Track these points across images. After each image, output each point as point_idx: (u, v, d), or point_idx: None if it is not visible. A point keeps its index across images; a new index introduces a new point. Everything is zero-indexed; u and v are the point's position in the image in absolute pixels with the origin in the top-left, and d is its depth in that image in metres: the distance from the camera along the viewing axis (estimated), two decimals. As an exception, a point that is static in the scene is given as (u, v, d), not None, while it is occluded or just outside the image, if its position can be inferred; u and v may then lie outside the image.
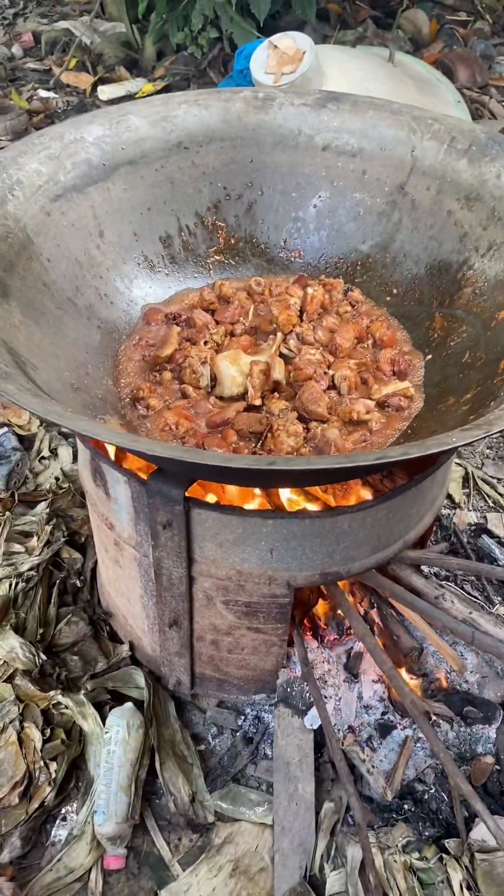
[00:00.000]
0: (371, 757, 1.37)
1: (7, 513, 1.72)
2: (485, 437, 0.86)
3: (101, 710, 1.47)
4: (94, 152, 1.44)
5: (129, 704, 1.43)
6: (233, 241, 1.58)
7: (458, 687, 1.47)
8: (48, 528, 1.69)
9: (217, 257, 1.58)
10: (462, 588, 1.71)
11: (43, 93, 3.63)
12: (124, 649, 1.54)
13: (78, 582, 1.66)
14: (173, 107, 1.52)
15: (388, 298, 1.51)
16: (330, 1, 3.86)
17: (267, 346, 1.39)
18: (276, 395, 1.32)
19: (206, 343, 1.40)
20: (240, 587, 1.27)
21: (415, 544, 1.53)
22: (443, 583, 1.64)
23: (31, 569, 1.65)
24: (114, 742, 1.37)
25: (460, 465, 1.99)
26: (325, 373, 1.34)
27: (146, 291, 1.50)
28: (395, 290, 1.50)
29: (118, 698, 1.49)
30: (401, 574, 1.47)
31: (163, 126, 1.51)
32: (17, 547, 1.68)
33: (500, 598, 1.70)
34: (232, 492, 1.40)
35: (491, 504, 1.91)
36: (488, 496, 1.93)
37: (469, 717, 1.42)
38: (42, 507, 1.78)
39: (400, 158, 1.49)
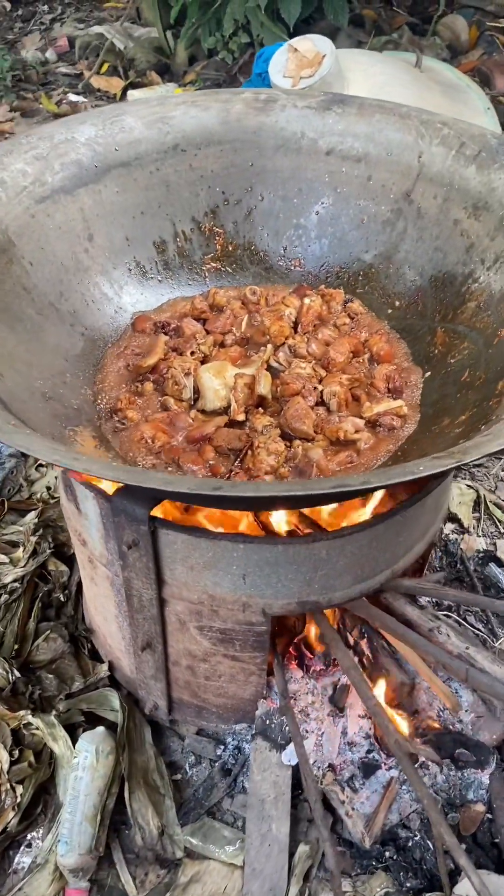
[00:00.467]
0: (351, 798, 1.28)
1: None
2: (455, 467, 0.78)
3: (75, 731, 1.41)
4: (85, 153, 1.39)
5: (100, 729, 1.37)
6: (230, 248, 1.52)
7: (450, 727, 1.37)
8: (34, 538, 1.64)
9: (213, 264, 1.52)
10: (465, 619, 1.61)
11: (73, 97, 3.62)
12: (103, 669, 1.48)
13: (62, 596, 1.61)
14: (170, 107, 1.47)
15: (389, 311, 1.43)
16: (366, 7, 3.79)
17: (257, 359, 1.33)
18: (260, 410, 1.25)
19: (192, 353, 1.34)
20: (213, 612, 1.20)
21: (413, 572, 1.45)
22: (442, 614, 1.55)
23: (14, 580, 1.60)
24: (81, 768, 1.31)
25: (472, 487, 1.89)
26: (315, 388, 1.26)
27: (137, 298, 1.45)
28: (397, 303, 1.42)
29: (94, 720, 1.43)
30: (394, 604, 1.39)
31: (159, 127, 1.46)
32: (2, 557, 1.64)
33: (504, 632, 1.60)
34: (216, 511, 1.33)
35: (502, 530, 1.81)
36: (500, 521, 1.82)
37: (461, 760, 1.33)
38: (31, 517, 1.73)
39: (406, 164, 1.41)
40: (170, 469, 1.16)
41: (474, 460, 0.80)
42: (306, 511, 1.29)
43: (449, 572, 1.71)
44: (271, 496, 0.74)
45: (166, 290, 1.48)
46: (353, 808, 1.27)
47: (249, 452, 1.17)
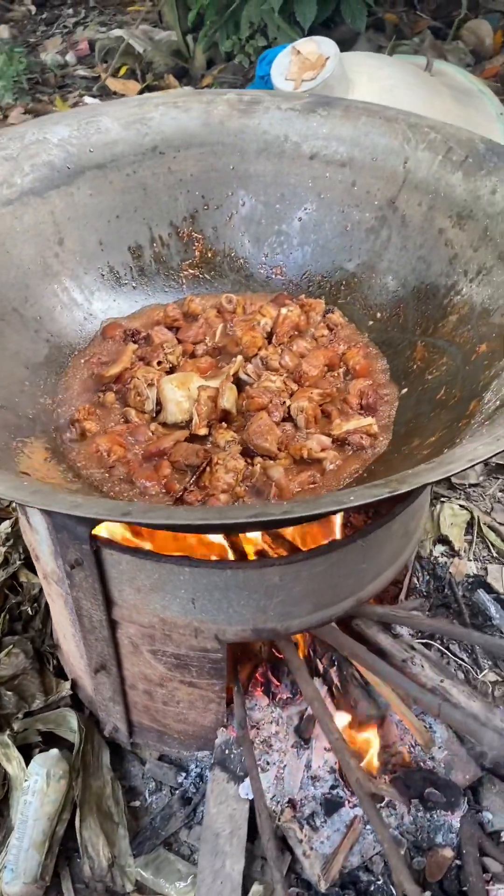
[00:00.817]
0: (310, 837, 1.21)
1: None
2: (389, 497, 0.71)
3: (31, 752, 1.36)
4: (57, 154, 1.35)
5: (53, 751, 1.31)
6: (210, 255, 1.47)
7: (421, 764, 1.30)
8: (3, 549, 1.59)
9: (191, 271, 1.46)
10: (448, 648, 1.53)
11: (88, 99, 3.60)
12: (66, 688, 1.43)
13: (31, 609, 1.56)
14: (150, 108, 1.42)
15: (370, 323, 1.36)
16: (388, 10, 3.72)
17: (226, 370, 1.27)
18: (224, 425, 1.19)
19: (159, 363, 1.28)
20: (166, 637, 1.14)
21: (388, 597, 1.38)
22: (422, 642, 1.47)
23: (-16, 591, 1.56)
24: (31, 792, 1.26)
25: (466, 508, 1.81)
26: (283, 403, 1.20)
27: (109, 304, 1.40)
28: (378, 314, 1.36)
29: (52, 741, 1.38)
30: (366, 631, 1.32)
31: (137, 128, 1.41)
32: (-29, 567, 1.60)
33: (489, 663, 1.52)
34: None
35: (494, 554, 1.72)
36: (493, 545, 1.74)
37: (430, 800, 1.25)
38: (5, 526, 1.69)
39: (392, 170, 1.35)
40: (119, 486, 1.11)
41: (427, 484, 0.73)
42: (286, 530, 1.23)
43: (435, 597, 1.63)
44: (181, 524, 0.68)
45: (141, 296, 1.43)
46: (311, 848, 1.20)
47: (207, 469, 1.12)
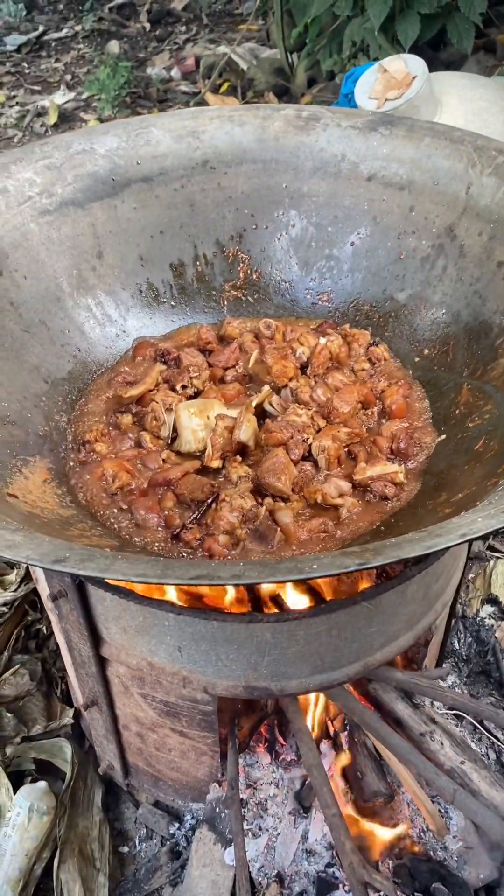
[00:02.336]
0: (295, 920, 1.10)
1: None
2: (359, 569, 0.61)
3: (23, 779, 1.31)
4: (103, 165, 1.31)
5: (41, 784, 1.26)
6: (255, 277, 1.39)
7: (431, 853, 1.16)
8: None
9: (234, 292, 1.39)
10: (481, 723, 1.38)
11: (186, 115, 3.61)
12: (68, 716, 1.38)
13: (46, 629, 1.52)
14: (203, 121, 1.36)
15: (416, 359, 1.25)
16: (501, 31, 3.56)
17: (253, 399, 1.19)
18: (238, 459, 1.11)
19: (184, 387, 1.22)
20: (156, 682, 1.06)
21: (410, 662, 1.26)
22: (445, 713, 1.34)
23: (3, 604, 1.53)
24: (11, 826, 1.20)
25: (523, 565, 1.65)
26: (304, 440, 1.11)
27: (144, 322, 1.35)
28: (426, 351, 1.24)
29: (49, 770, 1.33)
30: (383, 696, 1.20)
31: (188, 142, 1.35)
32: (-5, 578, 1.57)
33: (527, 744, 1.36)
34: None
35: (549, 621, 1.56)
36: (549, 610, 1.58)
37: (436, 896, 1.12)
38: (34, 539, 1.66)
39: (453, 195, 1.24)
40: (116, 516, 1.04)
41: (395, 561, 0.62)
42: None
43: (476, 663, 1.49)
44: (121, 578, 0.60)
45: (178, 316, 1.37)
46: (295, 932, 1.09)
47: (214, 505, 1.03)
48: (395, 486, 1.06)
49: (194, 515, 1.03)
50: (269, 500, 1.04)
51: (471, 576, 1.62)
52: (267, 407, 1.18)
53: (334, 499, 1.04)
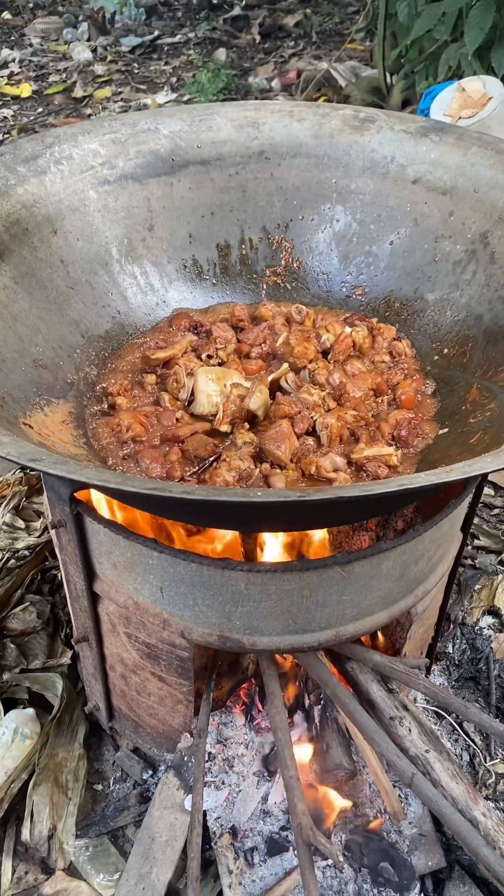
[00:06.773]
0: (242, 871, 1.14)
1: (19, 487, 1.72)
2: (304, 502, 0.66)
3: (15, 706, 1.39)
4: (165, 145, 1.40)
5: (29, 710, 1.34)
6: (295, 265, 1.45)
7: (385, 835, 1.19)
8: (50, 512, 1.65)
9: (274, 278, 1.45)
10: (460, 725, 1.40)
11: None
12: (67, 656, 1.46)
13: (60, 576, 1.60)
14: (265, 114, 1.43)
15: (435, 357, 1.29)
16: None
17: (270, 374, 1.25)
18: (246, 426, 1.17)
19: (209, 356, 1.28)
20: (140, 622, 1.13)
21: (390, 648, 1.29)
22: (434, 710, 1.36)
23: (26, 548, 1.63)
24: (-5, 743, 1.29)
25: (532, 583, 1.65)
26: (311, 417, 1.16)
27: (184, 295, 1.42)
28: (445, 350, 1.28)
29: (41, 704, 1.41)
30: (359, 677, 1.24)
31: (248, 132, 1.43)
32: (22, 523, 1.67)
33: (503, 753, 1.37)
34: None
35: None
36: (552, 630, 1.57)
37: (382, 875, 1.14)
38: (63, 493, 1.75)
39: (491, 203, 1.27)
40: (123, 462, 1.11)
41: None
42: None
43: (466, 669, 1.50)
44: (85, 481, 0.67)
45: (218, 293, 1.44)
46: (239, 883, 1.13)
47: (215, 464, 1.10)
48: (389, 469, 1.10)
49: (195, 470, 1.09)
50: (266, 465, 1.10)
51: (476, 587, 1.63)
52: (283, 383, 1.24)
53: (328, 472, 1.09)
